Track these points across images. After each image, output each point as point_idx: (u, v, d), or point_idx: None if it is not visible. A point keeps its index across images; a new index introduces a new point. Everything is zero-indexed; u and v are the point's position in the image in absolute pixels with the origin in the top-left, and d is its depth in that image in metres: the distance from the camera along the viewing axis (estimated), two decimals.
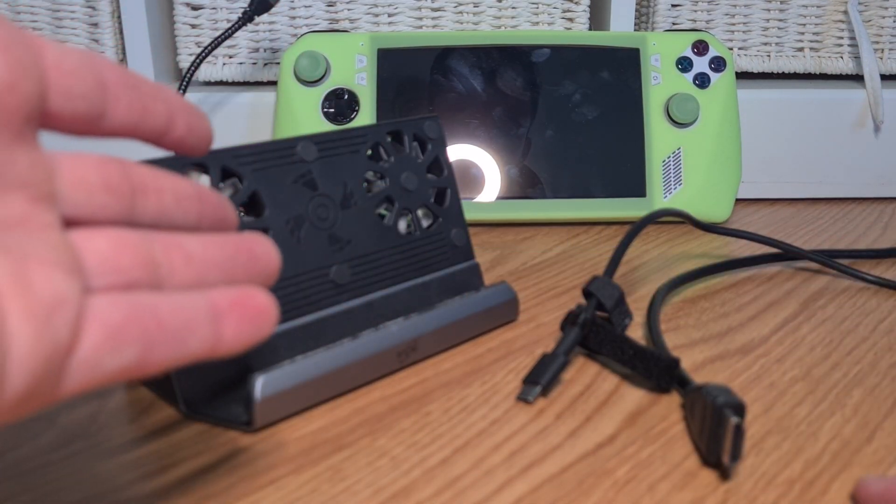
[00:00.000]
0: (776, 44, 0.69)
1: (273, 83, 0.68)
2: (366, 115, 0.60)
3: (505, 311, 0.43)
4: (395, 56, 0.60)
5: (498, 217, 0.60)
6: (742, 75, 0.71)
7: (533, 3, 0.67)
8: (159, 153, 0.58)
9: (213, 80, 0.68)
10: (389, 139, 0.41)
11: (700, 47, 0.62)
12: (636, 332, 0.42)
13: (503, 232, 0.60)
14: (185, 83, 0.61)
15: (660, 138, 0.61)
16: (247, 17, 0.60)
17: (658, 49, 0.61)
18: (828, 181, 0.69)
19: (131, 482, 0.30)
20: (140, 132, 0.22)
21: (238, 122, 0.65)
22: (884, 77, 0.68)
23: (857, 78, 0.70)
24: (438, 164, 0.42)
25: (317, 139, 0.37)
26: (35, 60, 0.19)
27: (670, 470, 0.30)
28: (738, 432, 0.29)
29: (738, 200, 0.67)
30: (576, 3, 0.67)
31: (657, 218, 0.46)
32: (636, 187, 0.60)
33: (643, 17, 0.71)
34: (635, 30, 0.70)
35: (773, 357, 0.40)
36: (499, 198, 0.60)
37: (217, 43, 0.61)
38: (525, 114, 0.60)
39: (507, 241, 0.58)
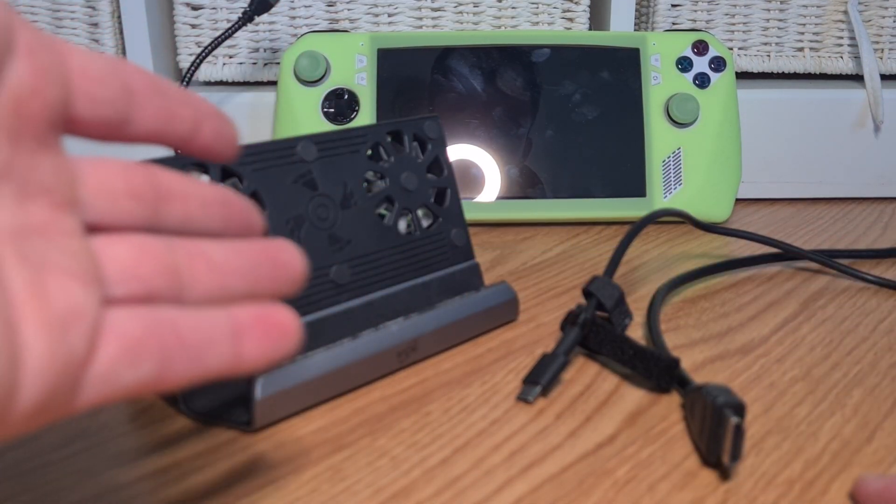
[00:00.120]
0: (776, 44, 0.69)
1: (273, 83, 0.68)
2: (366, 115, 0.60)
3: (505, 311, 0.43)
4: (395, 56, 0.60)
5: (498, 217, 0.60)
6: (742, 75, 0.71)
7: (533, 3, 0.67)
8: (155, 154, 0.58)
9: (213, 80, 0.68)
10: (389, 139, 0.41)
11: (700, 47, 0.62)
12: (636, 332, 0.42)
13: (503, 232, 0.60)
14: (185, 83, 0.61)
15: (660, 138, 0.61)
16: (247, 17, 0.60)
17: (658, 49, 0.61)
18: (828, 181, 0.69)
19: (131, 482, 0.30)
20: (166, 138, 0.22)
21: (238, 122, 0.65)
22: (884, 77, 0.68)
23: (857, 78, 0.70)
24: (438, 163, 0.42)
25: (317, 139, 0.37)
26: (60, 65, 0.19)
27: (670, 470, 0.30)
28: (738, 432, 0.29)
29: (738, 200, 0.67)
30: (576, 2, 0.67)
31: (657, 218, 0.46)
32: (636, 187, 0.60)
33: (643, 17, 0.71)
34: (635, 30, 0.70)
35: (773, 357, 0.40)
36: (499, 198, 0.60)
37: (217, 43, 0.61)
38: (525, 114, 0.60)
39: (507, 241, 0.58)
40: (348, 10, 0.66)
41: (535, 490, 0.29)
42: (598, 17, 0.70)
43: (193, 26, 0.67)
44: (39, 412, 0.18)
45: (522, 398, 0.35)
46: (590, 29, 0.69)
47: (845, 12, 0.68)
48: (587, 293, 0.40)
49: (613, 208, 0.60)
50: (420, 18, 0.67)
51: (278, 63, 0.67)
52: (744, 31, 0.69)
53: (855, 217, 0.64)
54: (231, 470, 0.30)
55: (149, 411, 0.34)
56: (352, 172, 0.38)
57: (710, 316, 0.45)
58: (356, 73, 0.60)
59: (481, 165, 0.60)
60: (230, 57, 0.67)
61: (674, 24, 0.68)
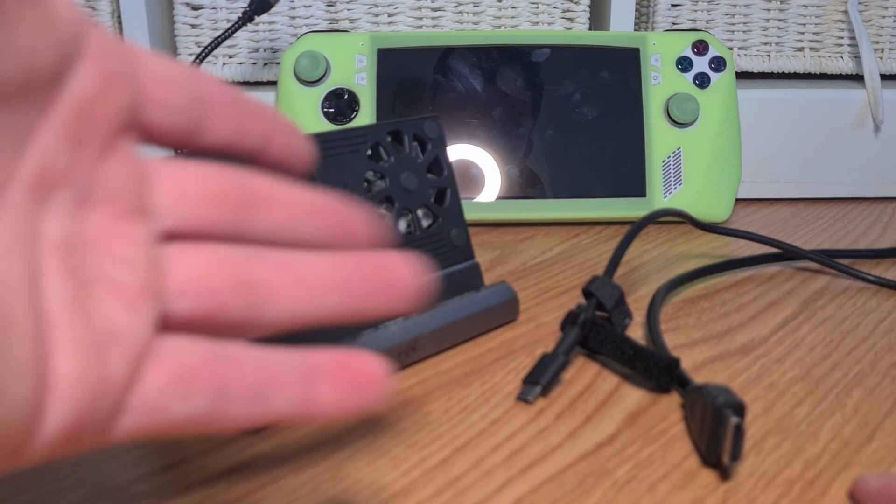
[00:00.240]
0: (776, 44, 0.69)
1: (273, 83, 0.68)
2: (366, 115, 0.60)
3: (505, 310, 0.43)
4: (395, 56, 0.60)
5: (498, 217, 0.60)
6: (742, 75, 0.71)
7: (533, 3, 0.67)
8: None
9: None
10: (389, 139, 0.41)
11: (700, 47, 0.62)
12: (636, 332, 0.42)
13: (503, 232, 0.60)
14: None
15: (660, 138, 0.61)
16: (247, 17, 0.60)
17: (658, 49, 0.61)
18: (828, 181, 0.69)
19: (131, 482, 0.30)
20: (236, 150, 0.21)
21: None
22: (884, 77, 0.68)
23: (857, 78, 0.70)
24: (438, 163, 0.42)
25: (317, 139, 0.37)
26: (129, 71, 0.18)
27: (670, 470, 0.30)
28: (738, 432, 0.29)
29: (738, 200, 0.67)
30: (576, 2, 0.67)
31: (657, 218, 0.46)
32: (636, 187, 0.60)
33: (643, 17, 0.71)
34: (635, 30, 0.70)
35: (773, 357, 0.40)
36: (499, 198, 0.60)
37: (217, 43, 0.61)
38: (525, 114, 0.60)
39: (507, 241, 0.58)
40: (348, 10, 0.66)
41: (535, 490, 0.29)
42: (598, 16, 0.70)
43: (193, 26, 0.67)
44: (69, 439, 0.16)
45: (522, 398, 0.35)
46: (590, 29, 0.69)
47: (845, 12, 0.68)
48: (587, 293, 0.40)
49: (613, 208, 0.60)
50: (420, 18, 0.67)
51: (278, 63, 0.67)
52: (744, 31, 0.69)
53: (855, 217, 0.64)
54: (231, 470, 0.30)
55: None
56: (351, 172, 0.38)
57: (710, 316, 0.45)
58: (356, 73, 0.60)
59: (481, 165, 0.60)
60: (230, 57, 0.67)
61: (674, 23, 0.68)
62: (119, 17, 0.67)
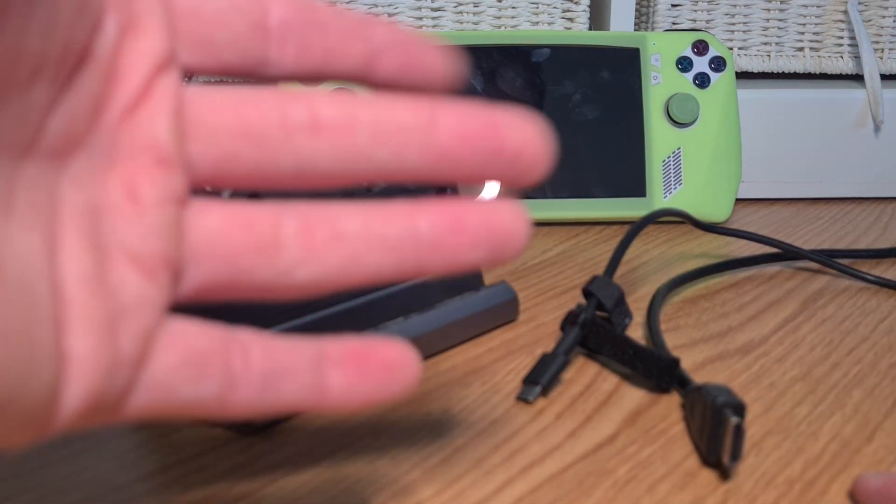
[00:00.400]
0: (776, 44, 0.69)
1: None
2: None
3: (505, 311, 0.43)
4: None
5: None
6: (742, 75, 0.71)
7: (533, 3, 0.67)
8: None
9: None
10: None
11: (700, 47, 0.62)
12: (636, 331, 0.42)
13: None
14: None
15: (660, 138, 0.61)
16: None
17: (658, 49, 0.61)
18: (828, 181, 0.69)
19: (131, 482, 0.30)
20: (326, 76, 0.18)
21: None
22: (884, 77, 0.68)
23: (858, 78, 0.70)
24: None
25: None
26: (159, 10, 0.16)
27: (670, 470, 0.30)
28: (739, 432, 0.29)
29: (738, 200, 0.67)
30: (576, 2, 0.67)
31: (657, 218, 0.46)
32: (636, 187, 0.60)
33: (643, 17, 0.71)
34: (635, 30, 0.70)
35: (773, 357, 0.40)
36: (499, 197, 0.60)
37: None
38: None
39: None
40: (347, 10, 0.66)
41: (535, 490, 0.29)
42: (598, 16, 0.70)
43: None
44: (86, 414, 0.16)
45: (522, 398, 0.35)
46: (590, 29, 0.69)
47: (845, 12, 0.68)
48: (587, 293, 0.40)
49: (613, 208, 0.60)
50: (420, 18, 0.67)
51: None
52: (744, 31, 0.69)
53: (855, 217, 0.64)
54: (231, 470, 0.30)
55: None
56: None
57: (710, 316, 0.45)
58: None
59: None
60: None
61: (674, 23, 0.68)
62: None
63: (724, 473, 0.30)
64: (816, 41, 0.69)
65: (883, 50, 0.69)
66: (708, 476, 0.30)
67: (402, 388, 0.19)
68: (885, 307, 0.46)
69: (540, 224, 0.61)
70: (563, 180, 0.60)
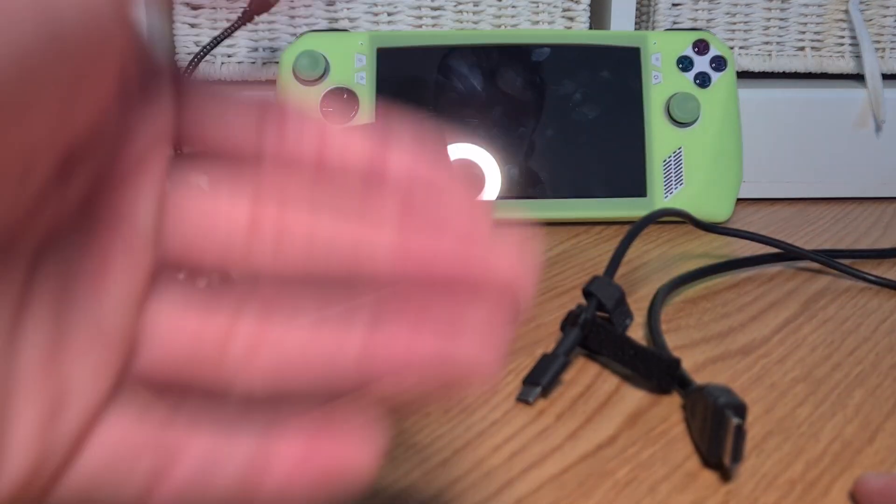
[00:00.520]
0: (777, 43, 0.69)
1: (272, 82, 0.68)
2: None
3: None
4: (394, 55, 0.60)
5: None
6: (743, 74, 0.71)
7: (533, 2, 0.67)
8: None
9: (212, 80, 0.68)
10: None
11: (701, 46, 0.61)
12: (637, 332, 0.42)
13: None
14: None
15: (660, 138, 0.60)
16: (246, 17, 0.60)
17: (659, 48, 0.61)
18: (829, 181, 0.68)
19: None
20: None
21: None
22: (885, 76, 0.68)
23: (859, 77, 0.70)
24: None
25: None
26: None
27: (671, 471, 0.30)
28: (740, 433, 0.29)
29: (739, 200, 0.66)
30: (576, 1, 0.67)
31: (658, 218, 0.46)
32: (637, 187, 0.60)
33: (644, 17, 0.71)
34: (636, 29, 0.70)
35: (775, 357, 0.39)
36: (499, 197, 0.59)
37: (216, 42, 0.61)
38: (525, 113, 0.60)
39: None
40: (348, 9, 0.66)
41: (535, 491, 0.29)
42: (599, 16, 0.70)
43: (192, 25, 0.67)
44: (16, 497, 0.15)
45: (522, 399, 0.35)
46: (590, 28, 0.69)
47: (846, 11, 0.68)
48: (587, 293, 0.40)
49: (614, 208, 0.60)
50: (420, 17, 0.67)
51: (277, 62, 0.67)
52: (745, 31, 0.69)
53: (856, 217, 0.64)
54: None
55: None
56: None
57: (711, 316, 0.44)
58: (356, 73, 0.60)
59: (481, 165, 0.60)
60: (229, 56, 0.67)
61: (674, 23, 0.68)
62: None
63: (725, 475, 0.30)
64: (817, 40, 0.69)
65: (884, 49, 0.69)
66: (709, 477, 0.30)
67: (352, 484, 0.17)
68: (887, 307, 0.46)
69: (540, 224, 0.61)
70: (564, 180, 0.60)
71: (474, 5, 0.67)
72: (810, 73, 0.72)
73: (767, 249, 0.53)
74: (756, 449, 0.32)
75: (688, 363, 0.39)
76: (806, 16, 0.68)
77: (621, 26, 0.67)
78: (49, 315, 0.15)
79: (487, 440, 0.32)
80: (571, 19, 0.67)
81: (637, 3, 0.69)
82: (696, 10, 0.68)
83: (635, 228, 0.44)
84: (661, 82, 0.61)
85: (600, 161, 0.60)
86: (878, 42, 0.69)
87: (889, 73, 0.69)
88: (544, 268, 0.52)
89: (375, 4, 0.66)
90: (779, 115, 0.67)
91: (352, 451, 0.17)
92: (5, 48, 0.12)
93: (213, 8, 0.66)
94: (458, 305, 0.17)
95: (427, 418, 0.34)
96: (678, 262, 0.53)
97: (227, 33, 0.61)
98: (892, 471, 0.30)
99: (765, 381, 0.37)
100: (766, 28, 0.69)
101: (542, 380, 0.35)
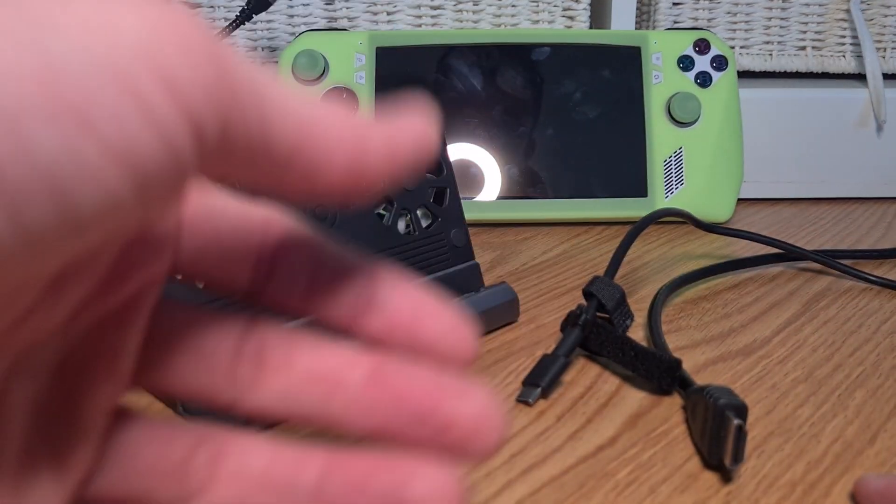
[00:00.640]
0: (778, 42, 0.69)
1: None
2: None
3: (505, 311, 0.43)
4: (393, 54, 0.60)
5: (498, 217, 0.59)
6: (744, 74, 0.71)
7: (533, 2, 0.67)
8: None
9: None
10: None
11: (701, 46, 0.61)
12: (637, 333, 0.42)
13: (503, 232, 0.60)
14: None
15: (661, 138, 0.60)
16: (245, 16, 0.60)
17: (659, 48, 0.61)
18: (830, 181, 0.68)
19: None
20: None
21: None
22: (886, 76, 0.68)
23: (860, 77, 0.70)
24: (438, 163, 0.42)
25: None
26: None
27: (672, 472, 0.30)
28: (740, 434, 0.29)
29: (739, 200, 0.66)
30: (576, 1, 0.67)
31: (658, 218, 0.45)
32: (637, 187, 0.60)
33: (644, 16, 0.71)
34: (636, 28, 0.70)
35: (776, 358, 0.39)
36: (499, 197, 0.59)
37: None
38: (525, 113, 0.60)
39: (507, 241, 0.57)
40: (347, 8, 0.66)
41: (535, 492, 0.29)
42: (599, 15, 0.70)
43: None
44: None
45: (522, 400, 0.35)
46: (590, 27, 0.69)
47: (847, 11, 0.68)
48: (588, 294, 0.40)
49: (614, 208, 0.60)
50: (419, 17, 0.67)
51: (276, 62, 0.67)
52: (745, 30, 0.69)
53: (857, 217, 0.64)
54: None
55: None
56: None
57: (712, 317, 0.44)
58: (355, 72, 0.60)
59: (481, 165, 0.59)
60: None
61: (675, 22, 0.68)
62: None
63: (726, 476, 0.30)
64: (818, 40, 0.69)
65: (885, 49, 0.69)
66: (710, 478, 0.30)
67: None
68: (888, 308, 0.46)
69: (540, 224, 0.61)
70: (564, 180, 0.60)
71: (474, 4, 0.67)
72: (811, 73, 0.72)
73: (768, 250, 0.53)
74: (757, 450, 0.31)
75: (688, 364, 0.39)
76: (807, 15, 0.68)
77: (622, 26, 0.67)
78: (20, 431, 0.15)
79: None
80: (572, 18, 0.67)
81: (638, 3, 0.69)
82: (697, 9, 0.68)
83: (636, 229, 0.44)
84: (661, 82, 0.61)
85: (600, 161, 0.60)
86: (880, 42, 0.69)
87: (890, 72, 0.69)
88: (545, 268, 0.52)
89: (374, 3, 0.66)
90: (780, 115, 0.67)
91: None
92: (8, 222, 0.11)
93: (212, 7, 0.66)
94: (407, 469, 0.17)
95: None
96: (679, 263, 0.53)
97: (227, 33, 0.60)
98: (893, 472, 0.30)
99: (766, 382, 0.37)
100: (767, 28, 0.68)
101: (542, 381, 0.35)
